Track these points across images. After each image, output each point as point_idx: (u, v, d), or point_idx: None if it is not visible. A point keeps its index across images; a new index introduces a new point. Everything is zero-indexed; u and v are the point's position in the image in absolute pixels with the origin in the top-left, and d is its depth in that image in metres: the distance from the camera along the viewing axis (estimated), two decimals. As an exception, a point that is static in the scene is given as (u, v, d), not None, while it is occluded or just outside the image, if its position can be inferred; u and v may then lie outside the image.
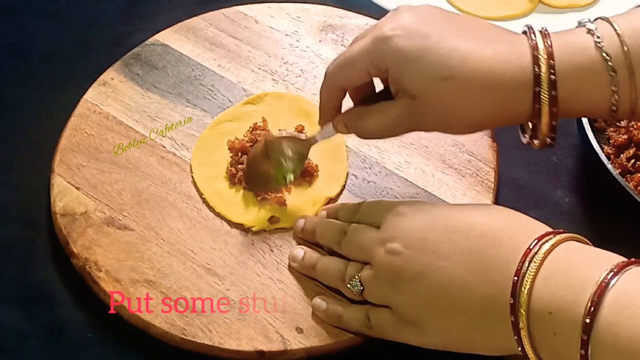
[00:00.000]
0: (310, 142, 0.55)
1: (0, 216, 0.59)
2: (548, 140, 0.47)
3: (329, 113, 0.53)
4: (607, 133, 0.61)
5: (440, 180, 0.59)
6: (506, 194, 0.60)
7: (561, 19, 0.75)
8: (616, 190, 0.53)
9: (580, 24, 0.46)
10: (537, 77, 0.44)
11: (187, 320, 0.51)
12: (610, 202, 0.57)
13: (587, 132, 0.56)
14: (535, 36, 0.46)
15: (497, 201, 0.59)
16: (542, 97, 0.44)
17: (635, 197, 0.52)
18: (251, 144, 0.60)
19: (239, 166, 0.59)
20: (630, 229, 0.56)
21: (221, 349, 0.50)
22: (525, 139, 0.49)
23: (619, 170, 0.58)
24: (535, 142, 0.48)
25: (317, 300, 0.51)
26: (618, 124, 0.48)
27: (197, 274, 0.54)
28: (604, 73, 0.44)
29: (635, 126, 0.60)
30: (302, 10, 0.72)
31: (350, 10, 0.72)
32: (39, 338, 0.53)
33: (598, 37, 0.44)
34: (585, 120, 0.56)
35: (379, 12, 0.72)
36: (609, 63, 0.44)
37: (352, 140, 0.62)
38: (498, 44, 0.46)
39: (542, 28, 0.47)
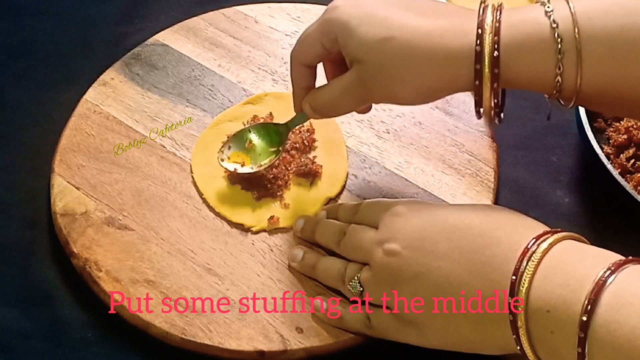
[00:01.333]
0: (286, 126, 0.57)
1: (0, 216, 0.59)
2: (493, 114, 0.47)
3: (300, 96, 0.54)
4: (607, 133, 0.62)
5: (440, 180, 0.59)
6: (506, 194, 0.60)
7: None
8: (616, 190, 0.53)
9: (539, 1, 0.45)
10: (478, 55, 0.44)
11: (187, 320, 0.51)
12: (610, 202, 0.57)
13: (587, 132, 0.56)
14: (485, 12, 0.45)
15: (497, 201, 0.59)
16: (483, 73, 0.45)
17: (635, 197, 0.52)
18: None
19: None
20: (630, 229, 0.57)
21: (221, 349, 0.50)
22: (476, 113, 0.49)
23: (619, 170, 0.58)
24: (484, 116, 0.48)
25: (317, 301, 0.51)
26: (561, 103, 0.47)
27: (197, 274, 0.54)
28: (551, 53, 0.43)
29: (635, 126, 0.60)
30: (302, 10, 0.72)
31: (350, 10, 0.72)
32: (39, 338, 0.53)
33: (552, 17, 0.44)
34: (585, 120, 0.56)
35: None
36: (559, 45, 0.43)
37: (352, 140, 0.62)
38: (446, 18, 0.47)
39: (499, 4, 0.46)
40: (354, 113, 0.63)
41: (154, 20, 0.73)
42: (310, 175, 0.59)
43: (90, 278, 0.53)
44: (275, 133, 0.59)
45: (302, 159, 0.60)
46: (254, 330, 0.51)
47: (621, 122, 0.61)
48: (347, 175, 0.60)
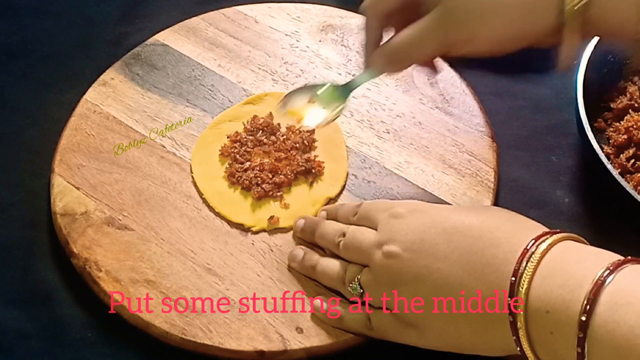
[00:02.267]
0: (351, 86, 0.54)
1: (0, 216, 0.59)
2: (572, 60, 0.47)
3: (371, 49, 0.51)
4: (607, 133, 0.62)
5: (440, 180, 0.59)
6: (506, 194, 0.60)
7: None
8: (616, 190, 0.53)
9: None
10: None
11: (187, 320, 0.51)
12: (610, 202, 0.57)
13: (587, 132, 0.56)
14: None
15: (497, 201, 0.59)
16: (567, 16, 0.44)
17: (635, 197, 0.52)
18: (251, 134, 0.61)
19: (237, 166, 0.59)
20: (630, 228, 0.57)
21: (221, 349, 0.50)
22: (554, 59, 0.48)
23: (619, 170, 0.58)
24: (561, 63, 0.47)
25: (318, 301, 0.51)
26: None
27: (197, 274, 0.54)
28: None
29: (635, 126, 0.60)
30: (302, 10, 0.72)
31: (350, 10, 0.72)
32: (39, 338, 0.53)
33: None
34: (585, 120, 0.56)
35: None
36: None
37: (352, 140, 0.62)
38: None
39: None
40: (354, 113, 0.64)
41: (154, 20, 0.73)
42: (311, 175, 0.59)
43: (90, 278, 0.53)
44: (336, 91, 0.55)
45: (303, 158, 0.60)
46: (254, 330, 0.51)
47: (621, 122, 0.61)
48: (347, 175, 0.60)
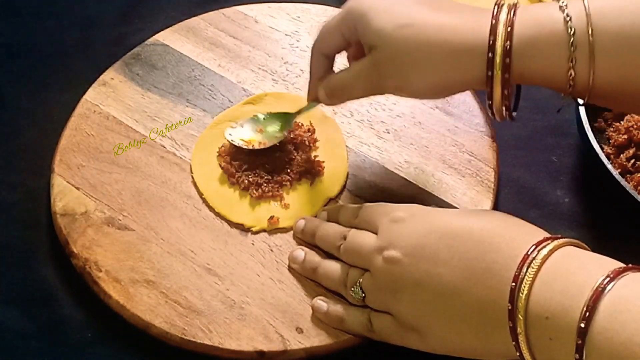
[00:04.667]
0: (295, 115, 0.60)
1: (0, 216, 0.59)
2: (504, 110, 0.48)
3: (316, 85, 0.56)
4: (607, 133, 0.62)
5: (440, 180, 0.59)
6: (506, 194, 0.60)
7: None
8: (616, 190, 0.53)
9: None
10: (491, 45, 0.45)
11: (187, 320, 0.51)
12: (610, 202, 0.57)
13: (587, 132, 0.56)
14: (500, 9, 0.46)
15: (497, 201, 0.59)
16: (495, 63, 0.45)
17: (635, 197, 0.52)
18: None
19: (234, 163, 0.60)
20: (630, 228, 0.56)
21: (221, 349, 0.50)
22: (488, 111, 0.49)
23: (619, 170, 0.58)
24: (494, 113, 0.48)
25: (318, 302, 0.51)
26: (574, 99, 0.48)
27: (197, 274, 0.54)
28: (564, 46, 0.44)
29: (635, 126, 0.60)
30: (302, 10, 0.72)
31: (350, 10, 0.72)
32: (39, 338, 0.53)
33: (566, 11, 0.44)
34: (585, 120, 0.56)
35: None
36: (571, 38, 0.44)
37: (352, 140, 0.62)
38: (462, 14, 0.48)
39: (514, 3, 0.47)
40: (354, 113, 0.64)
41: (154, 20, 0.73)
42: (312, 175, 0.59)
43: (90, 278, 0.53)
44: (284, 120, 0.61)
45: (303, 158, 0.60)
46: (254, 330, 0.51)
47: (621, 122, 0.61)
48: (347, 175, 0.60)
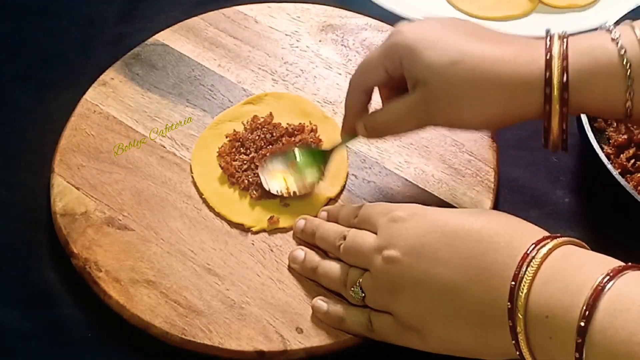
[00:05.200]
0: (331, 152, 0.58)
1: (1, 216, 0.59)
2: (560, 141, 0.47)
3: (353, 118, 0.54)
4: (607, 133, 0.61)
5: (440, 180, 0.59)
6: (506, 194, 0.60)
7: (561, 19, 0.75)
8: (616, 190, 0.53)
9: (603, 28, 0.46)
10: (547, 80, 0.45)
11: (187, 320, 0.51)
12: (610, 202, 0.57)
13: (587, 132, 0.56)
14: (552, 39, 0.46)
15: (497, 201, 0.59)
16: (552, 97, 0.45)
17: (635, 197, 0.52)
18: (250, 134, 0.61)
19: (234, 163, 0.59)
20: (630, 228, 0.56)
21: (221, 349, 0.50)
22: (544, 141, 0.48)
23: (619, 170, 0.58)
24: (551, 145, 0.48)
25: (318, 302, 0.51)
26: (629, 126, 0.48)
27: (197, 274, 0.54)
28: (621, 79, 0.44)
29: (635, 126, 0.60)
30: (302, 10, 0.72)
31: (350, 10, 0.72)
32: (39, 338, 0.53)
33: (620, 43, 0.44)
34: (585, 120, 0.56)
35: (379, 12, 0.72)
36: (628, 70, 0.44)
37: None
38: (512, 45, 0.47)
39: (562, 32, 0.47)
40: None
41: (154, 20, 0.73)
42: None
43: (90, 278, 0.53)
44: (318, 155, 0.59)
45: None
46: (254, 330, 0.51)
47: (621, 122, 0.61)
48: (347, 175, 0.60)
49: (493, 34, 0.49)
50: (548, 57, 0.45)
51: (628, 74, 0.44)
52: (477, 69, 0.46)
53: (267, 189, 0.58)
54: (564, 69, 0.45)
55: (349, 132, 0.55)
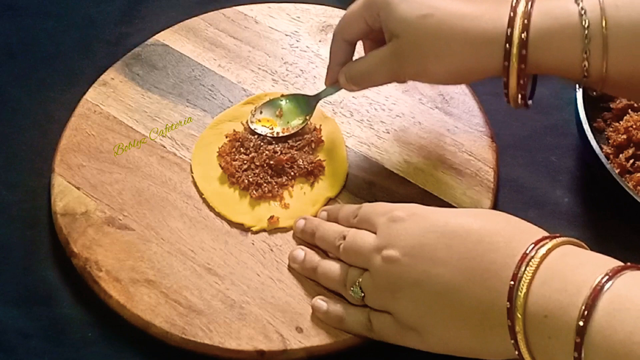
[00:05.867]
0: (316, 98, 0.61)
1: (1, 216, 0.59)
2: (519, 98, 0.50)
3: (336, 68, 0.57)
4: (606, 133, 0.62)
5: (439, 180, 0.59)
6: (506, 193, 0.60)
7: None
8: (615, 190, 0.53)
9: None
10: (508, 36, 0.47)
11: (187, 320, 0.51)
12: (610, 202, 0.57)
13: (587, 132, 0.56)
14: (518, 0, 0.48)
15: (496, 201, 0.59)
16: (511, 54, 0.47)
17: (635, 196, 0.52)
18: (250, 133, 0.62)
19: (234, 163, 0.59)
20: (630, 228, 0.57)
21: (221, 348, 0.50)
22: (504, 96, 0.51)
23: (618, 170, 0.58)
24: (510, 100, 0.50)
25: (318, 301, 0.51)
26: (591, 92, 0.51)
27: (197, 273, 0.54)
28: (578, 38, 0.46)
29: (634, 126, 0.60)
30: (302, 11, 0.72)
31: (350, 11, 0.72)
32: (39, 338, 0.53)
33: (581, 5, 0.46)
34: (584, 121, 0.56)
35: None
36: (586, 31, 0.45)
37: (352, 140, 0.62)
38: (482, 4, 0.49)
39: None
40: (354, 113, 0.64)
41: (154, 20, 0.73)
42: (312, 175, 0.60)
43: (90, 278, 0.53)
44: (304, 103, 0.62)
45: (305, 160, 0.60)
46: (254, 330, 0.51)
47: (620, 122, 0.61)
48: (347, 175, 0.60)
49: None
50: (511, 15, 0.47)
51: (586, 34, 0.45)
52: (446, 23, 0.49)
53: (254, 131, 0.61)
54: (525, 26, 0.46)
55: (332, 82, 0.59)
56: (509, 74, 0.48)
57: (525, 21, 0.46)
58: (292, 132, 0.61)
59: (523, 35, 0.46)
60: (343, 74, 0.56)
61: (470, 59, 0.49)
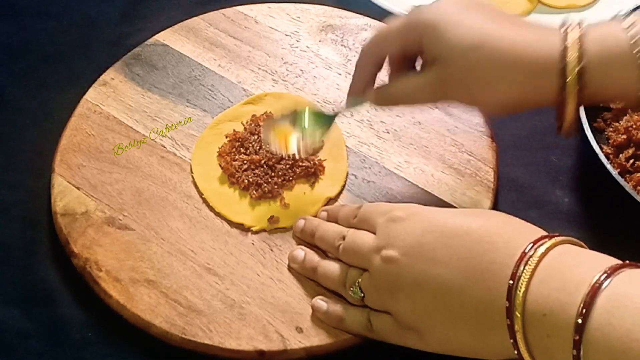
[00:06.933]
0: (334, 116, 0.57)
1: (1, 216, 0.60)
2: (573, 128, 0.48)
3: (361, 84, 0.55)
4: (606, 133, 0.62)
5: (439, 180, 0.60)
6: (506, 193, 0.60)
7: (560, 20, 0.75)
8: (615, 190, 0.53)
9: (617, 17, 0.46)
10: (563, 68, 0.45)
11: (187, 320, 0.51)
12: (610, 202, 0.57)
13: (587, 132, 0.56)
14: (568, 28, 0.47)
15: (496, 201, 0.59)
16: (568, 85, 0.46)
17: (635, 196, 0.52)
18: (250, 133, 0.61)
19: (234, 163, 0.59)
20: (629, 228, 0.57)
21: (221, 348, 0.50)
22: (557, 129, 0.49)
23: (618, 170, 0.58)
24: (565, 131, 0.49)
25: (318, 301, 0.51)
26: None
27: (197, 273, 0.54)
28: (634, 67, 0.45)
29: (634, 126, 0.60)
30: (302, 11, 0.73)
31: (350, 10, 0.73)
32: (39, 338, 0.53)
33: (630, 35, 0.45)
34: (584, 120, 0.56)
35: (379, 12, 0.72)
36: (639, 60, 0.44)
37: (352, 140, 0.62)
38: (530, 30, 0.48)
39: (579, 20, 0.47)
40: (354, 113, 0.64)
41: (154, 20, 0.73)
42: (312, 175, 0.60)
43: (90, 278, 0.53)
44: (321, 119, 0.58)
45: (307, 159, 0.60)
46: (254, 330, 0.51)
47: (620, 122, 0.61)
48: (347, 175, 0.60)
49: (512, 17, 0.50)
50: (566, 45, 0.46)
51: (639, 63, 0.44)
52: (497, 52, 0.47)
53: (268, 146, 0.58)
54: (580, 56, 0.45)
55: (356, 96, 0.55)
56: (566, 105, 0.46)
57: (580, 50, 0.45)
58: (306, 156, 0.59)
59: (580, 66, 0.45)
60: (378, 94, 0.54)
61: (523, 89, 0.47)
